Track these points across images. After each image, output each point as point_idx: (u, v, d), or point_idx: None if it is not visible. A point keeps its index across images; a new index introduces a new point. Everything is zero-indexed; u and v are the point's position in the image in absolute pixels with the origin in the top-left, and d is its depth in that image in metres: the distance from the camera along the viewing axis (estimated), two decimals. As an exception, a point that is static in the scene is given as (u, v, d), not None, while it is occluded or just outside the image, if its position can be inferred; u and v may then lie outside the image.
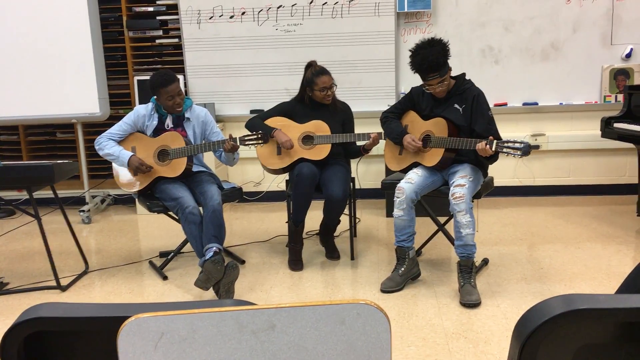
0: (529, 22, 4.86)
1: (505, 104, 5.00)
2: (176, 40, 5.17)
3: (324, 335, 0.84)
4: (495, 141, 2.96)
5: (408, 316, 2.88)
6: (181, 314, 0.81)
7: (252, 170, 5.32)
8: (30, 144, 5.55)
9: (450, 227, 3.36)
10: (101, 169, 5.34)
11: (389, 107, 3.55)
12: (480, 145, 2.98)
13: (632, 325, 0.89)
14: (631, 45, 4.82)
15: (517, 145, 2.90)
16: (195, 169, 3.60)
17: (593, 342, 0.90)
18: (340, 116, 3.71)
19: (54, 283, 3.42)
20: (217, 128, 3.70)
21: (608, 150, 5.02)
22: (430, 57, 3.06)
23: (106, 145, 3.48)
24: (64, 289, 3.42)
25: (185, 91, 5.10)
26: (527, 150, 2.87)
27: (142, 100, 4.86)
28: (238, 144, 3.42)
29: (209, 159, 4.01)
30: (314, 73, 3.59)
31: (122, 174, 3.55)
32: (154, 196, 3.52)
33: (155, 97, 3.49)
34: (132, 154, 3.46)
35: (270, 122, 3.67)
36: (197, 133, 3.61)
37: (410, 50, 3.19)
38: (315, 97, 3.63)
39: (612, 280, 3.24)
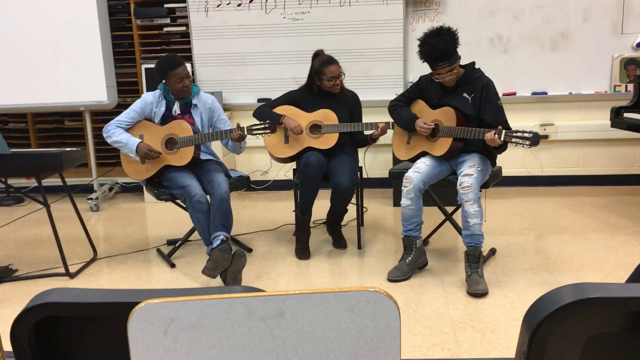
0: (538, 11, 4.82)
1: (514, 94, 4.96)
2: (184, 28, 5.16)
3: (333, 322, 0.84)
4: (504, 131, 2.94)
5: (415, 305, 2.88)
6: (191, 300, 0.81)
7: (260, 159, 5.32)
8: (39, 131, 5.57)
9: (457, 217, 3.36)
10: (109, 157, 5.35)
11: (397, 96, 3.53)
12: (489, 135, 2.96)
13: (644, 315, 0.88)
14: (642, 34, 4.77)
15: (526, 135, 2.88)
16: (203, 157, 3.60)
17: (604, 331, 0.90)
18: (348, 105, 3.70)
19: (62, 270, 3.44)
20: (224, 115, 3.70)
21: (617, 140, 4.98)
22: (439, 45, 3.04)
23: (114, 132, 3.49)
24: (72, 276, 3.44)
25: (193, 80, 5.09)
26: (536, 140, 2.86)
27: (150, 88, 4.85)
28: (245, 133, 3.42)
29: (217, 147, 4.01)
30: (322, 62, 3.57)
31: (130, 161, 3.55)
32: (162, 184, 3.53)
33: (163, 81, 3.49)
34: (140, 140, 3.46)
35: (278, 110, 3.67)
36: (205, 120, 3.61)
37: (419, 39, 3.17)
38: (323, 87, 3.61)
39: (620, 270, 3.22)
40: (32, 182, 5.30)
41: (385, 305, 0.84)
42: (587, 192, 4.93)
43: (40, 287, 3.32)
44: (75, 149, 3.49)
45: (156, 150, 3.45)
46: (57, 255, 3.50)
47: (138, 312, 0.81)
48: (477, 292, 2.96)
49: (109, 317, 0.90)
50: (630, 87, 4.79)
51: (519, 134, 2.90)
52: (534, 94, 4.96)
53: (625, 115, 4.13)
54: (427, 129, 3.25)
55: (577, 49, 4.84)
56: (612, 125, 4.26)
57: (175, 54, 3.52)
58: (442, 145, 3.23)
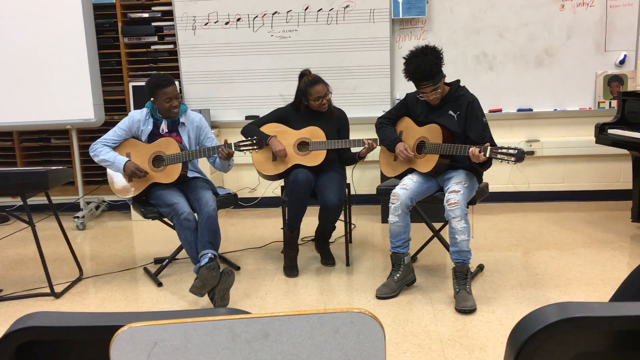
0: (523, 29, 4.88)
1: (500, 110, 5.01)
2: (171, 46, 5.17)
3: (318, 344, 0.83)
4: (489, 147, 2.96)
5: (403, 322, 2.88)
6: (174, 323, 0.81)
7: (248, 176, 5.32)
8: (25, 150, 5.53)
9: (445, 233, 3.37)
10: (96, 175, 5.33)
11: (384, 113, 3.56)
12: (473, 150, 2.98)
13: (627, 333, 0.89)
14: (625, 51, 4.84)
15: (511, 151, 2.90)
16: (190, 174, 3.59)
17: (588, 350, 0.90)
18: (335, 122, 3.71)
19: (48, 290, 3.40)
20: (212, 133, 3.70)
21: (602, 156, 5.03)
22: (424, 65, 3.07)
23: (101, 151, 3.47)
24: (57, 295, 3.40)
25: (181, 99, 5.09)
26: (521, 156, 2.88)
27: (137, 106, 4.86)
28: (233, 149, 3.42)
29: (204, 165, 4.00)
30: (308, 83, 3.58)
31: (117, 180, 3.54)
32: (149, 202, 3.51)
33: (152, 99, 3.49)
34: (128, 159, 3.45)
35: (266, 128, 3.67)
36: (192, 138, 3.60)
37: (404, 58, 3.20)
38: (311, 106, 3.62)
39: (607, 286, 3.24)
40: (18, 201, 5.26)
41: (370, 327, 0.83)
42: (573, 208, 4.96)
43: (25, 308, 3.27)
44: (61, 167, 3.46)
45: (144, 170, 3.44)
46: (42, 274, 3.46)
47: (121, 335, 0.80)
48: (465, 308, 2.96)
49: (92, 341, 0.89)
50: (614, 103, 4.85)
51: (503, 150, 2.93)
52: (519, 110, 5.01)
53: (610, 131, 4.18)
54: (405, 156, 3.27)
55: (562, 66, 4.91)
56: (597, 142, 4.30)
57: (167, 74, 3.53)
58: (429, 162, 3.25)
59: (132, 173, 3.42)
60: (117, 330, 0.80)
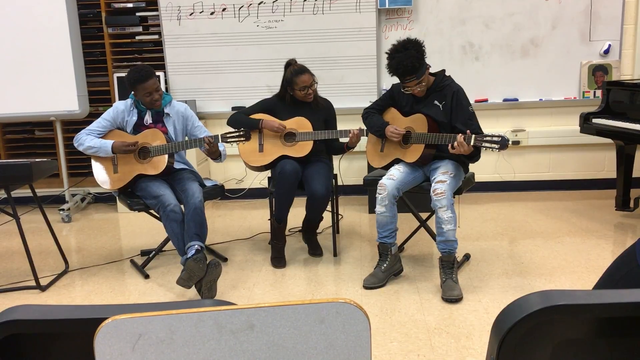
0: (508, 19, 4.89)
1: (485, 100, 5.03)
2: (156, 36, 5.12)
3: (303, 335, 0.83)
4: (473, 135, 2.97)
5: (390, 312, 2.89)
6: (159, 315, 0.80)
7: (234, 167, 5.30)
8: (9, 142, 5.47)
9: (432, 223, 3.38)
10: (81, 167, 5.28)
11: (370, 104, 3.56)
12: (458, 138, 2.97)
13: (609, 321, 0.90)
14: (609, 41, 4.87)
15: (494, 139, 2.92)
16: (176, 166, 3.57)
17: (571, 337, 0.91)
18: (322, 113, 3.71)
19: (33, 283, 3.38)
20: (200, 122, 3.68)
21: (587, 146, 5.07)
22: (405, 61, 3.06)
23: (85, 139, 3.45)
24: (43, 288, 3.38)
25: (166, 88, 5.06)
26: (504, 143, 2.90)
27: (122, 97, 4.81)
28: (220, 141, 3.41)
29: (191, 156, 3.98)
30: (293, 72, 3.57)
31: (101, 172, 3.51)
32: (135, 194, 3.49)
33: (133, 93, 3.46)
34: (113, 140, 3.43)
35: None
36: (178, 129, 3.58)
37: (386, 53, 3.20)
38: (296, 96, 3.61)
39: (591, 274, 3.28)
40: (2, 194, 5.20)
41: (355, 316, 0.84)
42: (558, 197, 5.00)
43: (11, 301, 3.25)
44: (45, 159, 3.43)
45: (132, 142, 3.41)
46: (28, 268, 3.43)
47: (105, 328, 0.80)
48: (451, 297, 2.98)
49: (76, 334, 0.88)
50: (599, 93, 4.89)
51: (487, 138, 2.94)
52: (505, 100, 5.03)
53: (594, 120, 4.21)
54: (397, 135, 3.28)
55: (547, 56, 4.93)
56: (582, 131, 4.34)
57: (146, 65, 3.47)
58: (415, 152, 3.26)
59: (122, 151, 3.40)
60: (101, 323, 0.80)
